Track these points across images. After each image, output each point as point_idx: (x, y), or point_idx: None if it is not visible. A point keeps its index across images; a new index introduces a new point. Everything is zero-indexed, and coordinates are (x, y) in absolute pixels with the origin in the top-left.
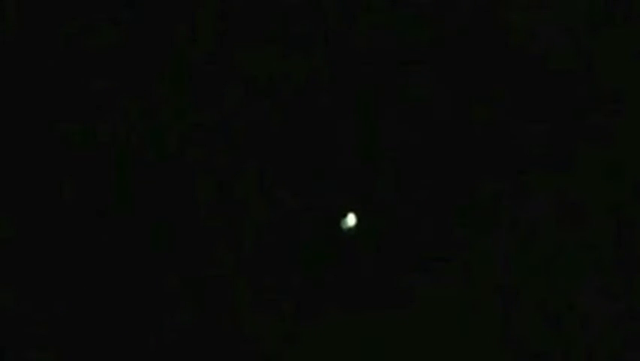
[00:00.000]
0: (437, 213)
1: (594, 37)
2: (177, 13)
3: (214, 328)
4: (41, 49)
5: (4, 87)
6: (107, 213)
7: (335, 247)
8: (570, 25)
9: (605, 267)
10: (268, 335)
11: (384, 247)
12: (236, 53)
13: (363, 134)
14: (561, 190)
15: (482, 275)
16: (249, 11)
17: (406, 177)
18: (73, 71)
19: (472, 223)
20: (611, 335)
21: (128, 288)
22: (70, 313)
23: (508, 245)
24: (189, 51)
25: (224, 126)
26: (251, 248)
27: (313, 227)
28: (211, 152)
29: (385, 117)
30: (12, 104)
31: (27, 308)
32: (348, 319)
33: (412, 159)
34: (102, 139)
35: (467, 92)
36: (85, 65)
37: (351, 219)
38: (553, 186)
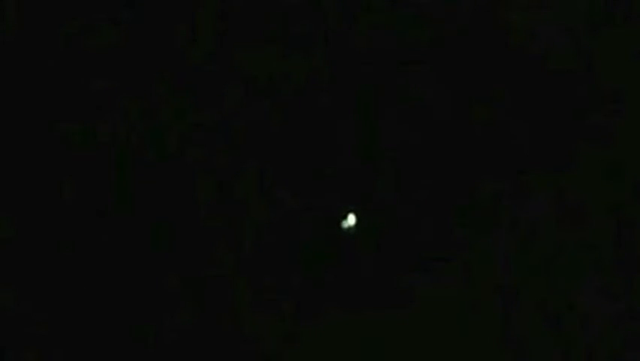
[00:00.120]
0: (437, 213)
1: (594, 37)
2: (177, 13)
3: (214, 328)
4: (41, 49)
5: (4, 87)
6: (107, 213)
7: (335, 247)
8: (570, 25)
9: (605, 267)
10: (268, 335)
11: (384, 247)
12: (236, 53)
13: (363, 134)
14: (561, 190)
15: (482, 275)
16: (249, 11)
17: (406, 177)
18: (73, 71)
19: (472, 223)
20: (611, 335)
21: (128, 288)
22: (70, 313)
23: (508, 245)
24: (189, 51)
25: (224, 126)
26: (251, 248)
27: (313, 227)
28: (211, 152)
29: (385, 117)
30: (12, 104)
31: (27, 308)
32: (348, 319)
33: (412, 159)
34: (102, 139)
35: (467, 92)
36: (85, 65)
37: (351, 219)
38: (553, 186)
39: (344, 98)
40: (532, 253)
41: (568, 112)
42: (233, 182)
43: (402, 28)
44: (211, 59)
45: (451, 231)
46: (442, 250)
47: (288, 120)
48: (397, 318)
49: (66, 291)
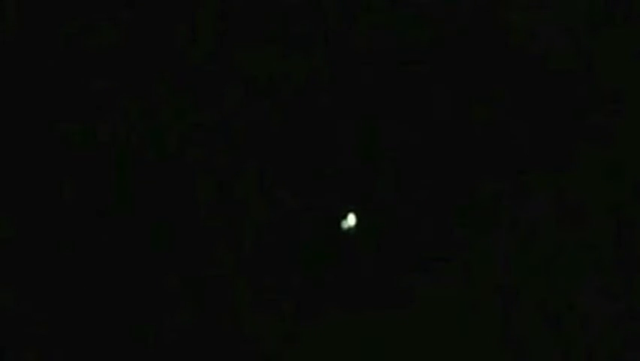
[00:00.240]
0: (437, 213)
1: (594, 37)
2: (177, 13)
3: (214, 328)
4: (41, 49)
5: (4, 87)
6: (107, 213)
7: (335, 247)
8: (570, 25)
9: (605, 267)
10: (268, 335)
11: (384, 247)
12: (236, 53)
13: (363, 134)
14: (561, 190)
15: (482, 275)
16: (249, 11)
17: (406, 177)
18: (73, 71)
19: (472, 223)
20: (611, 335)
21: (128, 288)
22: (70, 313)
23: (508, 245)
24: (189, 51)
25: (224, 126)
26: (251, 248)
27: (313, 227)
28: (211, 152)
29: (385, 117)
30: (12, 104)
31: (27, 308)
32: (348, 319)
33: (412, 159)
34: (102, 139)
35: (467, 92)
36: (85, 65)
37: (351, 219)
38: (553, 186)
39: (344, 98)
40: (532, 253)
41: (568, 112)
42: (233, 182)
43: (402, 28)
44: (211, 59)
45: (451, 231)
46: (442, 250)
47: (288, 120)
48: (397, 318)
49: (66, 291)
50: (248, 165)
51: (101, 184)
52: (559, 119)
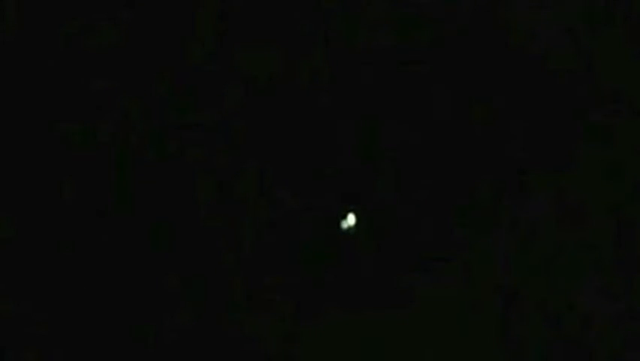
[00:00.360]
0: (437, 213)
1: (594, 37)
2: (177, 13)
3: (214, 328)
4: (41, 49)
5: (4, 87)
6: (107, 213)
7: (335, 247)
8: (570, 25)
9: (605, 267)
10: (268, 335)
11: (384, 247)
12: (236, 53)
13: (363, 134)
14: (561, 190)
15: (482, 275)
16: (249, 11)
17: (405, 177)
18: (73, 71)
19: (472, 223)
20: (611, 335)
21: (128, 288)
22: (70, 313)
23: (508, 245)
24: (189, 51)
25: (224, 126)
26: (251, 248)
27: (313, 227)
28: (211, 152)
29: (385, 117)
30: (12, 104)
31: (27, 308)
32: (348, 319)
33: (412, 159)
34: (102, 139)
35: (467, 92)
36: (85, 65)
37: (351, 219)
38: (553, 186)
39: (344, 98)
40: (532, 253)
41: (568, 112)
42: (233, 182)
43: (402, 28)
44: (211, 59)
45: (451, 231)
46: (442, 250)
47: (288, 120)
48: (397, 318)
49: (66, 291)
50: (248, 165)
51: (101, 184)
52: (559, 119)
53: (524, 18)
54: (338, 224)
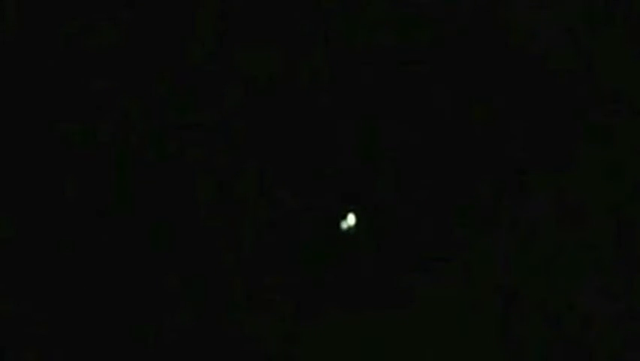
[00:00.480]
0: (437, 213)
1: (594, 37)
2: (177, 13)
3: (214, 328)
4: (41, 49)
5: (4, 87)
6: (107, 213)
7: (335, 247)
8: (570, 25)
9: (605, 267)
10: (268, 335)
11: (384, 247)
12: (236, 53)
13: (363, 134)
14: (561, 190)
15: (482, 275)
16: (249, 11)
17: (406, 177)
18: (73, 71)
19: (472, 223)
20: (611, 335)
21: (128, 288)
22: (70, 313)
23: (508, 245)
24: (189, 51)
25: (224, 126)
26: (251, 248)
27: (313, 227)
28: (211, 152)
29: (385, 117)
30: (12, 104)
31: (27, 308)
32: (348, 319)
33: (412, 159)
34: (102, 139)
35: (467, 92)
36: (85, 65)
37: (351, 219)
38: (553, 186)
39: (344, 98)
40: (532, 253)
41: (568, 112)
42: (233, 182)
43: (402, 28)
44: (211, 59)
45: (451, 231)
46: (442, 250)
47: (288, 120)
48: (397, 318)
49: (66, 291)
50: (248, 165)
51: (101, 184)
52: (559, 119)
53: (524, 18)
54: (338, 224)
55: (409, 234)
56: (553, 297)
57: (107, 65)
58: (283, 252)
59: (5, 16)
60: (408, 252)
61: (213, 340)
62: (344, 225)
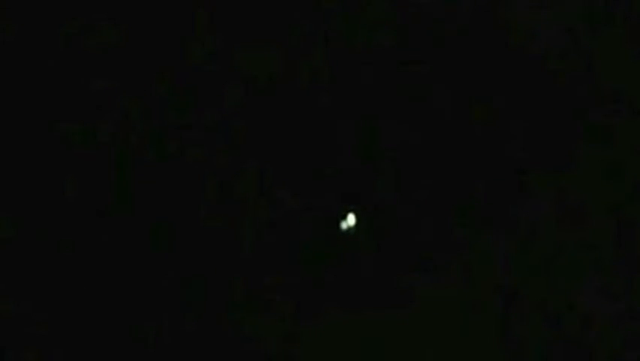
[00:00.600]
0: (437, 213)
1: (594, 37)
2: (177, 13)
3: (214, 328)
4: (41, 49)
5: (4, 87)
6: (107, 213)
7: (335, 247)
8: (570, 25)
9: (605, 267)
10: (268, 335)
11: (384, 247)
12: (236, 53)
13: (363, 134)
14: (561, 190)
15: (482, 275)
16: (249, 11)
17: (406, 177)
18: (73, 71)
19: (472, 223)
20: (611, 335)
21: (128, 288)
22: (70, 313)
23: (508, 245)
24: (189, 51)
25: (224, 126)
26: (251, 248)
27: (313, 227)
28: (211, 152)
29: (385, 117)
30: (12, 104)
31: (27, 308)
32: (348, 319)
33: (412, 159)
34: (102, 139)
35: (467, 92)
36: (85, 65)
37: (351, 219)
38: (553, 186)
39: (344, 98)
40: (532, 253)
41: (568, 112)
42: (233, 182)
43: (402, 28)
44: (211, 59)
45: (451, 231)
46: (442, 250)
47: (288, 120)
48: (397, 318)
49: (66, 291)
50: (248, 165)
51: (101, 184)
52: (559, 119)
53: (524, 18)
54: (338, 224)
55: (408, 234)
56: (553, 297)
57: (107, 65)
58: (283, 252)
59: (5, 16)
60: (408, 252)
61: (213, 340)
62: (344, 225)
